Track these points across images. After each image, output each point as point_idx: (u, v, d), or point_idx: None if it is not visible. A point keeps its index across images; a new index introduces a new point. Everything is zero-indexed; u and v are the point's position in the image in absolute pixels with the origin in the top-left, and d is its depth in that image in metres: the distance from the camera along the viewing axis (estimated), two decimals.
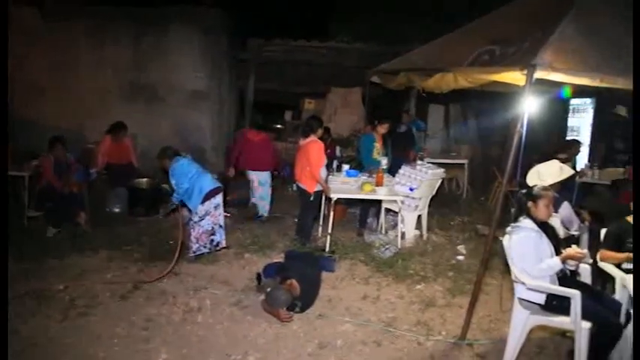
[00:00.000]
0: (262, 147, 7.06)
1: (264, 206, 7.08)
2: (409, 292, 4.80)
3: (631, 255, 3.64)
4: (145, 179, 7.17)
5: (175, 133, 8.59)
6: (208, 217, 5.42)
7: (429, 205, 6.56)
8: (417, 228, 6.43)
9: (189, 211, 5.45)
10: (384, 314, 4.32)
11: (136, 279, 4.80)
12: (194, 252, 5.37)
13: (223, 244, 5.63)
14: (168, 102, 8.70)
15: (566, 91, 6.44)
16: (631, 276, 3.38)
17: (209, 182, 5.43)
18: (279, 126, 11.80)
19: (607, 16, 4.11)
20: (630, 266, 3.70)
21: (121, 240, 5.79)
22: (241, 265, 5.34)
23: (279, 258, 5.34)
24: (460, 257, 5.81)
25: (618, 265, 3.74)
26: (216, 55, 8.93)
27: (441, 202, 7.74)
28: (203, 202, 5.34)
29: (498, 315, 4.31)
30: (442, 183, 6.62)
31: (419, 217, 6.39)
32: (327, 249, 5.70)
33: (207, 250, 5.45)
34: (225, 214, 5.77)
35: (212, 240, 5.49)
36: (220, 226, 5.56)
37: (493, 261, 5.09)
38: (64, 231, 5.88)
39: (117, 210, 6.96)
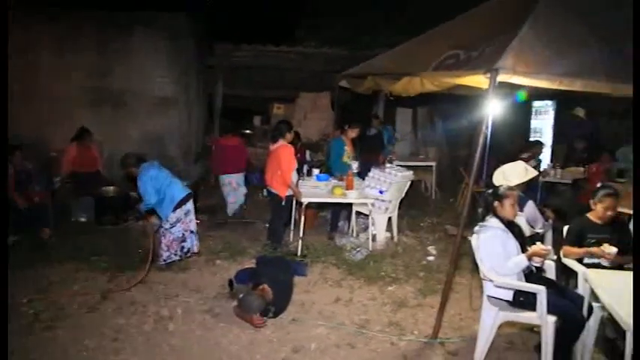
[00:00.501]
0: (238, 150, 7.41)
1: (240, 206, 7.36)
2: (381, 294, 4.85)
3: (591, 249, 3.79)
4: (112, 187, 7.03)
5: (143, 139, 8.45)
6: (179, 225, 5.36)
7: (399, 208, 6.64)
8: (387, 230, 6.50)
9: (159, 218, 5.37)
10: (357, 316, 4.35)
11: (105, 289, 4.70)
12: (164, 260, 5.29)
13: (195, 249, 5.57)
14: (134, 108, 8.55)
15: (521, 95, 6.65)
16: (592, 270, 3.51)
17: (180, 190, 5.36)
18: (248, 131, 11.75)
19: (568, 19, 4.25)
20: (591, 261, 3.86)
21: (88, 250, 5.64)
22: (213, 272, 5.29)
23: (250, 264, 5.31)
24: (430, 258, 5.90)
25: (580, 260, 3.88)
26: (183, 60, 8.84)
27: (411, 204, 7.85)
28: (174, 209, 5.28)
29: (469, 313, 4.40)
30: (411, 185, 6.71)
31: (389, 219, 6.46)
32: (299, 253, 5.71)
33: (177, 258, 5.38)
34: (196, 220, 5.71)
35: (183, 247, 5.43)
36: (192, 232, 5.52)
37: (463, 260, 5.19)
38: (27, 241, 5.69)
39: (83, 219, 6.80)
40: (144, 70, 8.54)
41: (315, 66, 10.00)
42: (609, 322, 3.56)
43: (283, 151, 5.58)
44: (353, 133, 6.67)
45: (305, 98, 11.28)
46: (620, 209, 4.32)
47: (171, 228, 5.30)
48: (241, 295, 4.24)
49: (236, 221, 7.14)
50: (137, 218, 6.44)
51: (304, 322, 4.20)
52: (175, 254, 5.36)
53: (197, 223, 5.72)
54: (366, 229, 6.31)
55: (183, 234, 5.41)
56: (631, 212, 4.94)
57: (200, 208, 6.68)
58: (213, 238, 6.31)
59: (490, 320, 3.53)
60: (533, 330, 3.90)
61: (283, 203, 5.66)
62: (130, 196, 6.66)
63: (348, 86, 7.25)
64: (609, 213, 3.90)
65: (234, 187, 7.26)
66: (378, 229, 6.34)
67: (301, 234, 5.79)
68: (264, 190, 6.73)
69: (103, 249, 5.71)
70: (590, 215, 4.03)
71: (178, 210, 5.32)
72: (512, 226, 3.68)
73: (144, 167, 5.27)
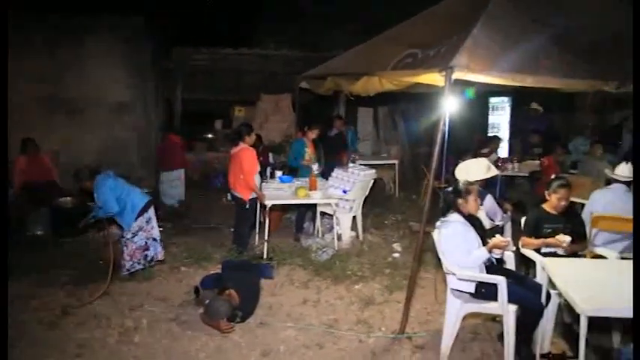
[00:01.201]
0: (183, 147, 8.36)
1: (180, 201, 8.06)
2: (348, 293, 4.88)
3: (547, 240, 3.94)
4: (69, 198, 6.78)
5: (101, 147, 8.24)
6: (141, 233, 5.25)
7: (363, 206, 6.70)
8: (352, 229, 6.55)
9: (120, 227, 5.24)
10: (325, 316, 4.37)
11: (65, 304, 4.54)
12: (128, 270, 5.15)
13: (159, 257, 5.46)
14: (91, 115, 8.31)
15: (469, 92, 6.84)
16: (548, 259, 3.64)
17: (140, 198, 5.24)
18: (210, 135, 11.63)
19: (519, 18, 4.39)
20: (548, 250, 4.00)
21: (46, 264, 5.44)
22: (178, 280, 5.20)
23: (216, 269, 5.24)
24: (396, 254, 5.99)
25: (538, 250, 4.01)
26: (139, 65, 8.66)
27: (375, 203, 7.93)
28: (136, 218, 5.16)
29: (434, 307, 4.49)
30: (374, 184, 6.79)
31: (354, 218, 6.51)
32: (265, 256, 5.69)
33: (141, 267, 5.26)
34: (159, 228, 5.60)
35: (146, 255, 5.30)
36: (154, 240, 5.39)
37: (427, 256, 5.29)
38: None
39: (39, 232, 6.53)
40: (99, 76, 8.32)
41: (275, 68, 10.00)
42: (566, 307, 3.71)
43: (245, 154, 5.54)
44: (313, 134, 6.75)
45: (266, 101, 11.24)
46: (572, 199, 4.51)
47: (133, 237, 5.18)
48: (207, 301, 4.19)
49: (200, 227, 7.05)
50: (98, 229, 6.25)
51: (272, 325, 4.19)
52: (139, 263, 5.24)
53: (160, 231, 5.61)
54: (331, 229, 6.34)
55: (146, 242, 5.29)
56: (583, 202, 5.17)
57: (162, 215, 6.57)
58: (177, 245, 6.20)
59: (454, 312, 3.61)
60: (496, 320, 4.00)
61: (247, 207, 5.62)
62: (89, 207, 6.46)
63: (309, 87, 7.28)
64: (563, 203, 4.06)
65: (182, 181, 7.83)
66: (343, 228, 6.38)
67: (266, 237, 5.77)
68: (228, 195, 6.67)
69: (62, 262, 5.53)
70: (545, 206, 4.18)
71: (140, 218, 5.20)
72: (472, 220, 3.78)
73: (99, 179, 5.10)
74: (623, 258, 4.28)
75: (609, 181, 5.11)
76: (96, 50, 8.27)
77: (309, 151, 6.73)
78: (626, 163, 5.10)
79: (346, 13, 11.01)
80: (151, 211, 5.38)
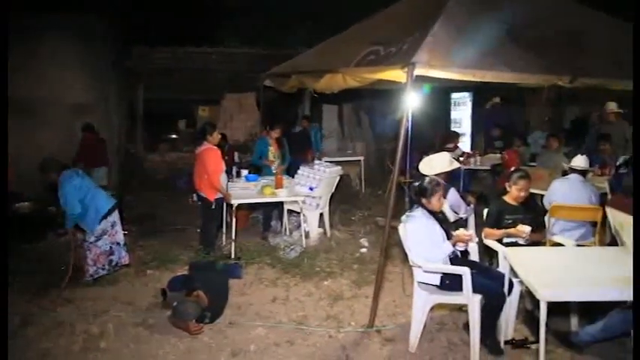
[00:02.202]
0: (102, 145, 8.10)
1: None
2: (317, 289, 4.91)
3: (508, 230, 4.08)
4: (26, 203, 6.55)
5: (58, 150, 7.95)
6: (105, 237, 5.07)
7: (330, 203, 6.74)
8: (320, 226, 6.58)
9: (83, 231, 5.09)
10: (295, 313, 4.38)
11: (25, 312, 4.39)
12: (92, 275, 4.99)
13: (125, 261, 5.29)
14: (47, 118, 8.04)
15: (427, 87, 6.98)
16: (510, 248, 3.76)
17: (105, 200, 5.08)
18: (173, 136, 11.46)
19: (478, 15, 4.51)
20: (509, 240, 4.13)
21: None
22: (144, 283, 5.11)
23: (183, 271, 5.18)
24: (363, 250, 6.05)
25: (500, 240, 4.14)
26: (98, 65, 8.44)
27: (341, 199, 8.00)
28: (100, 221, 5.00)
29: (402, 300, 4.55)
30: (340, 180, 6.84)
31: (321, 215, 6.54)
32: (233, 256, 5.66)
33: (105, 272, 5.10)
34: (124, 231, 5.48)
35: (111, 260, 5.13)
36: (119, 244, 5.23)
37: (393, 250, 5.37)
38: None
39: None
40: (55, 76, 8.06)
41: (239, 66, 9.93)
42: (527, 294, 3.84)
43: (209, 154, 5.49)
44: (276, 133, 6.81)
45: (230, 99, 11.17)
46: (531, 190, 4.67)
47: (96, 241, 5.01)
48: (175, 304, 4.13)
49: (166, 229, 6.94)
50: (59, 234, 6.08)
51: (242, 325, 4.16)
52: (103, 268, 5.07)
53: (125, 234, 5.49)
54: (298, 226, 6.35)
55: (111, 247, 5.12)
56: (542, 192, 5.36)
57: (127, 218, 6.43)
58: (143, 248, 6.08)
59: (422, 304, 3.68)
60: (462, 309, 4.10)
61: (213, 207, 5.57)
62: (49, 212, 6.27)
63: (273, 85, 7.26)
64: (523, 194, 4.20)
65: (105, 179, 7.72)
66: (311, 225, 6.41)
67: (234, 236, 5.73)
68: (194, 195, 6.58)
69: (22, 269, 5.32)
70: (506, 198, 4.32)
71: (104, 222, 5.04)
72: (436, 214, 3.86)
73: (66, 175, 4.89)
74: (579, 245, 4.48)
75: (565, 172, 5.31)
76: (52, 50, 8.00)
77: (272, 150, 6.73)
78: (582, 154, 5.33)
79: (309, 10, 11.03)
80: (115, 215, 5.21)
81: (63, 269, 5.14)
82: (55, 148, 7.90)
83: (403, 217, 3.87)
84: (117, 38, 8.96)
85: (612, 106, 8.13)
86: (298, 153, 7.87)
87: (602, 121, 8.38)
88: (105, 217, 5.03)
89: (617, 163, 7.02)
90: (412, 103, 3.75)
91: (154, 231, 6.86)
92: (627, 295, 2.96)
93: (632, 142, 7.41)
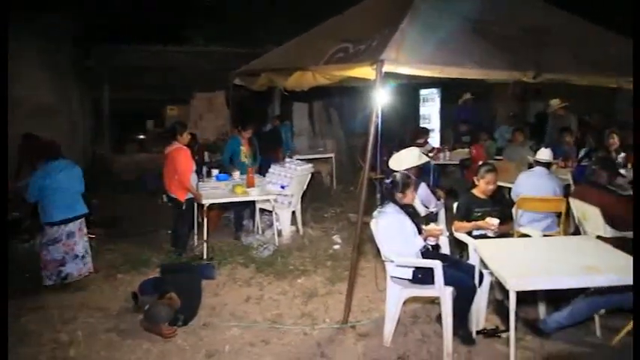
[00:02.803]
0: None
1: None
2: (291, 287, 4.91)
3: (478, 223, 4.17)
4: None
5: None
6: (59, 245, 4.85)
7: (302, 201, 6.75)
8: (292, 224, 6.58)
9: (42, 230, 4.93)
10: (269, 312, 4.37)
11: None
12: (44, 284, 4.81)
13: (84, 273, 5.05)
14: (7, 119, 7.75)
15: (392, 82, 7.04)
16: (479, 240, 3.84)
17: (63, 209, 4.84)
18: (141, 136, 11.25)
19: (444, 12, 4.57)
20: (479, 232, 4.23)
21: None
22: (114, 287, 5.00)
23: (155, 273, 5.10)
24: (336, 246, 6.08)
25: (470, 233, 4.23)
26: (61, 65, 8.20)
27: (313, 197, 8.01)
28: (52, 225, 4.82)
29: (376, 295, 4.59)
30: (312, 178, 6.85)
31: (293, 213, 6.55)
32: (205, 256, 5.60)
33: (51, 282, 4.83)
34: (90, 235, 5.36)
35: (60, 271, 4.87)
36: (76, 256, 4.96)
37: (366, 245, 5.41)
38: None
39: None
40: (13, 76, 7.76)
41: (207, 65, 9.81)
42: (497, 285, 3.94)
43: (178, 154, 5.41)
44: (247, 133, 6.70)
45: (199, 98, 11.03)
46: (499, 183, 4.78)
47: (48, 245, 4.82)
48: (147, 307, 4.07)
49: (136, 231, 6.81)
50: (22, 240, 5.90)
51: (216, 326, 4.13)
52: (50, 278, 4.83)
53: (92, 238, 5.37)
54: (271, 225, 6.33)
55: (64, 257, 4.88)
56: (509, 185, 5.49)
57: (94, 221, 6.28)
58: (113, 252, 5.95)
59: (395, 299, 3.73)
60: (434, 302, 4.16)
61: (184, 207, 5.51)
62: (12, 217, 6.07)
63: (243, 84, 7.20)
64: (490, 187, 4.31)
65: None
66: (283, 223, 6.40)
67: (205, 237, 5.67)
68: (164, 196, 6.48)
69: None
70: (474, 191, 4.41)
71: (57, 228, 4.82)
72: (407, 209, 3.91)
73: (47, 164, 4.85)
74: (545, 235, 4.62)
75: (531, 165, 5.45)
76: (11, 49, 7.70)
77: (244, 150, 6.67)
78: (546, 147, 5.49)
79: (279, 8, 10.97)
80: (74, 226, 4.93)
81: (27, 276, 5.01)
82: (13, 152, 7.65)
83: (375, 213, 3.91)
84: (80, 37, 8.72)
85: (555, 102, 8.82)
86: (269, 152, 7.83)
87: (554, 116, 8.85)
88: (59, 224, 4.83)
89: (579, 156, 7.27)
90: (381, 99, 3.78)
91: (123, 234, 6.71)
92: (591, 281, 3.07)
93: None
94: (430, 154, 8.20)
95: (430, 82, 10.69)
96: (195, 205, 5.83)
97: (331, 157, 9.49)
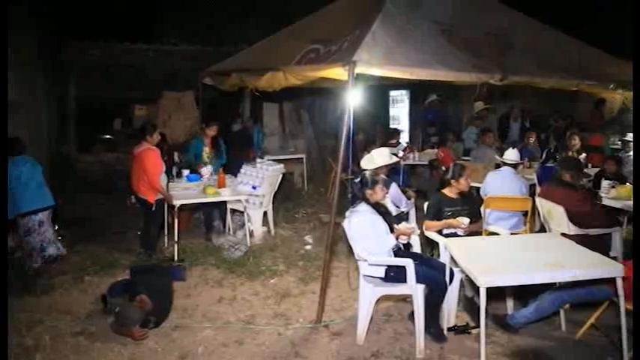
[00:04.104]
0: None
1: None
2: (264, 288, 4.90)
3: (448, 221, 4.26)
4: None
5: None
6: (35, 235, 5.17)
7: (274, 201, 6.73)
8: (264, 224, 6.57)
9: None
10: (242, 313, 4.36)
11: None
12: (28, 267, 5.14)
13: (61, 252, 5.43)
14: None
15: (360, 83, 7.13)
16: (450, 239, 3.93)
17: (35, 200, 5.11)
18: (108, 136, 11.00)
19: (412, 16, 4.66)
20: (449, 231, 4.32)
21: None
22: (82, 290, 4.88)
23: (124, 275, 5.00)
24: (308, 247, 6.10)
25: (440, 232, 4.32)
26: (24, 59, 7.90)
27: (285, 197, 8.01)
28: (24, 215, 5.07)
29: (348, 294, 4.64)
30: (283, 178, 6.84)
31: (265, 213, 6.53)
32: (176, 258, 5.52)
33: (38, 265, 5.18)
34: (58, 237, 5.28)
35: (44, 255, 5.27)
36: (51, 241, 5.33)
37: (338, 245, 5.45)
38: None
39: None
40: None
41: (177, 64, 9.68)
42: (467, 282, 4.03)
43: (147, 155, 5.32)
44: (212, 131, 6.47)
45: (168, 98, 10.81)
46: None
47: (25, 236, 5.13)
48: (117, 309, 3.99)
49: (104, 233, 6.66)
50: None
51: (189, 327, 4.09)
52: (36, 262, 5.21)
53: (59, 239, 5.30)
54: (242, 225, 6.30)
55: (42, 244, 5.23)
56: (477, 185, 5.62)
57: (60, 222, 6.12)
58: (80, 254, 5.79)
59: (367, 297, 3.77)
60: (406, 300, 4.24)
61: (153, 208, 5.42)
62: None
63: (213, 83, 7.15)
64: (466, 187, 4.41)
65: None
66: (255, 224, 6.38)
67: (176, 238, 5.60)
68: (132, 197, 6.36)
69: None
70: (445, 191, 4.50)
71: (28, 218, 5.11)
72: (379, 208, 3.96)
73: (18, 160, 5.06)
74: (512, 233, 4.76)
75: (498, 165, 5.61)
76: None
77: (206, 150, 6.50)
78: (512, 148, 5.65)
79: (250, 7, 10.93)
80: (43, 216, 5.22)
81: None
82: None
83: (347, 213, 3.95)
84: (46, 31, 8.44)
85: (479, 105, 9.57)
86: (239, 152, 7.78)
87: (480, 118, 9.58)
88: (29, 213, 5.10)
89: (542, 158, 7.54)
90: (354, 100, 3.82)
91: (91, 235, 6.55)
92: (556, 277, 3.18)
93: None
94: (403, 153, 8.34)
95: (400, 84, 10.86)
96: (166, 205, 5.75)
97: (302, 158, 9.50)
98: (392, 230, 3.89)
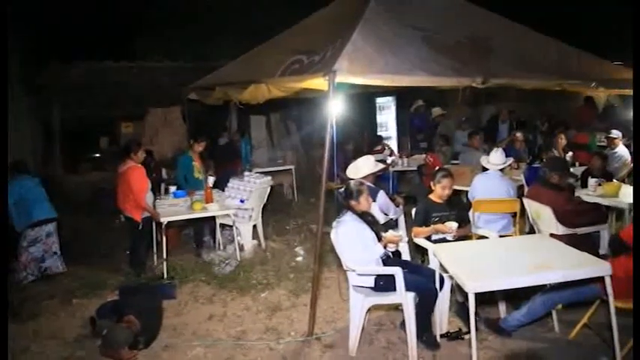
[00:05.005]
0: None
1: None
2: (255, 302, 4.84)
3: (436, 227, 4.23)
4: None
5: None
6: (39, 244, 5.48)
7: (263, 214, 6.69)
8: (254, 238, 6.51)
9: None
10: (233, 329, 4.30)
11: None
12: (21, 280, 5.32)
13: (60, 269, 5.65)
14: None
15: (345, 90, 7.15)
16: (438, 245, 3.90)
17: (44, 211, 5.54)
18: (96, 155, 10.91)
19: (392, 23, 4.66)
20: (438, 237, 4.30)
21: None
22: (70, 314, 4.80)
23: (114, 296, 4.91)
24: (299, 258, 6.05)
25: (429, 238, 4.29)
26: (7, 81, 7.84)
27: (275, 209, 7.97)
28: (34, 227, 5.43)
29: (340, 305, 4.58)
30: (272, 190, 6.80)
31: (254, 226, 6.48)
32: (165, 276, 5.46)
33: (34, 278, 5.42)
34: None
35: (40, 267, 5.51)
36: (55, 253, 5.61)
37: (329, 256, 5.41)
38: None
39: None
40: None
41: (161, 80, 9.64)
42: (457, 287, 3.99)
43: (132, 173, 5.28)
44: (200, 147, 6.44)
45: (154, 114, 10.76)
46: (456, 187, 4.89)
47: (28, 247, 5.39)
48: (105, 332, 3.92)
49: (92, 253, 6.57)
50: None
51: (178, 346, 4.03)
52: (32, 274, 5.43)
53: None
54: (232, 240, 6.24)
55: (43, 255, 5.51)
56: (466, 189, 5.62)
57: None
58: (67, 276, 5.71)
59: (358, 307, 3.73)
60: (398, 308, 4.20)
61: (140, 227, 5.37)
62: None
63: (198, 98, 7.12)
64: (447, 192, 4.39)
65: None
66: (244, 238, 6.33)
67: (165, 255, 5.53)
68: (121, 216, 6.28)
69: None
70: (432, 196, 4.48)
71: (37, 229, 5.46)
72: (365, 217, 3.94)
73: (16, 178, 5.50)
74: (501, 236, 4.74)
75: (486, 168, 5.60)
76: None
77: (196, 165, 6.44)
78: (498, 149, 5.66)
79: (231, 21, 10.94)
80: (52, 227, 5.61)
81: None
82: None
83: (334, 223, 3.92)
84: (27, 53, 8.39)
85: (437, 110, 9.94)
86: (226, 165, 7.74)
87: (435, 122, 9.98)
88: (38, 224, 5.47)
89: (529, 160, 7.58)
90: (335, 110, 3.80)
91: (79, 256, 6.44)
92: (545, 279, 3.16)
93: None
94: (391, 158, 8.34)
95: (385, 91, 10.89)
96: (154, 223, 5.68)
97: (291, 169, 9.47)
98: (379, 239, 3.86)
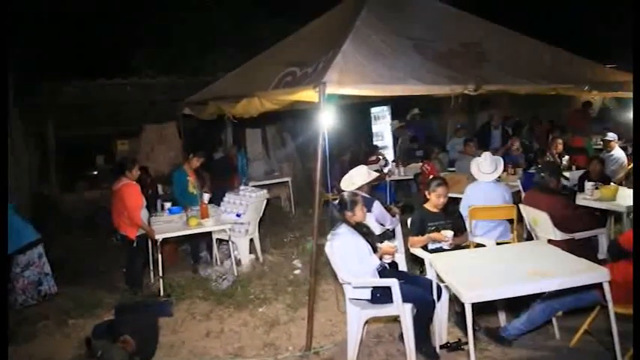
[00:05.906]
0: None
1: None
2: (252, 317, 4.79)
3: (431, 235, 4.19)
4: None
5: None
6: (33, 268, 5.39)
7: (261, 227, 6.64)
8: (251, 252, 6.46)
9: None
10: (230, 346, 4.25)
11: None
12: (21, 304, 5.24)
13: (53, 290, 5.56)
14: None
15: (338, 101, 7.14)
16: (434, 254, 3.86)
17: (30, 234, 5.41)
18: (93, 172, 10.90)
19: (383, 33, 4.66)
20: (434, 246, 4.25)
21: None
22: (65, 335, 4.73)
23: (110, 315, 4.87)
24: (297, 271, 5.99)
25: (425, 247, 4.25)
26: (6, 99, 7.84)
27: (273, 222, 7.92)
28: (24, 251, 5.31)
29: (338, 317, 4.52)
30: (268, 203, 6.76)
31: (251, 240, 6.43)
32: (162, 293, 5.40)
33: (34, 302, 5.34)
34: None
35: (40, 290, 5.43)
36: (47, 274, 5.52)
37: (326, 268, 5.34)
38: None
39: None
40: None
41: (156, 96, 9.65)
42: (455, 297, 3.94)
43: (126, 190, 5.25)
44: (197, 162, 6.44)
45: (150, 130, 10.74)
46: (452, 195, 4.85)
47: (23, 271, 5.30)
48: (100, 353, 3.86)
49: (88, 272, 6.51)
50: None
51: None
52: (32, 298, 5.35)
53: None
54: (229, 255, 6.18)
55: (39, 277, 5.44)
56: (461, 196, 5.57)
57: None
58: (62, 296, 5.64)
59: (355, 320, 3.69)
60: (397, 320, 4.13)
61: (135, 244, 5.32)
62: None
63: (193, 113, 7.11)
64: (442, 200, 4.35)
65: None
66: (241, 252, 6.28)
67: (161, 272, 5.48)
68: (117, 234, 6.23)
69: None
70: (427, 205, 4.45)
71: (29, 252, 5.37)
72: (360, 228, 3.90)
73: None
74: (499, 243, 4.70)
75: None
76: None
77: (191, 180, 6.39)
78: (491, 154, 5.62)
79: (224, 36, 10.98)
80: (41, 248, 5.52)
81: None
82: None
83: (329, 236, 3.88)
84: (22, 72, 8.39)
85: (396, 123, 10.42)
86: (221, 180, 7.71)
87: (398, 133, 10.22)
88: (29, 247, 5.37)
89: (525, 165, 7.55)
90: (327, 121, 3.78)
91: (74, 276, 6.39)
92: (542, 287, 3.12)
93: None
94: (387, 168, 8.31)
95: (380, 100, 10.89)
96: (150, 240, 5.64)
97: (288, 181, 9.43)
98: (375, 250, 3.82)
